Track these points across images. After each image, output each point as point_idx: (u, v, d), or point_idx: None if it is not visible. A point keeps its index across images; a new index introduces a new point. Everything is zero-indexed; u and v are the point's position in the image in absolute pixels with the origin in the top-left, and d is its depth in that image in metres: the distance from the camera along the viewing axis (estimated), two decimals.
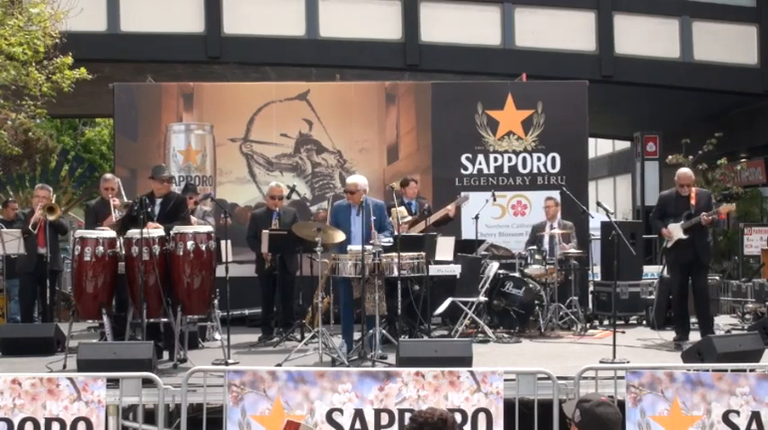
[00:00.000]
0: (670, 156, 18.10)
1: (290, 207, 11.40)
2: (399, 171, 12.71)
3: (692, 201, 10.12)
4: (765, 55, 19.34)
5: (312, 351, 9.26)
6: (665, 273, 12.71)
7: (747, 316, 12.46)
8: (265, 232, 10.41)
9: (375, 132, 13.10)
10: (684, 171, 10.42)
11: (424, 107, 13.14)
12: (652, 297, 12.35)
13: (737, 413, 6.48)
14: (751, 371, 6.96)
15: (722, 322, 11.87)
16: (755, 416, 6.48)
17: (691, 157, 17.30)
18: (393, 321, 9.74)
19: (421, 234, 10.01)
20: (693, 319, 10.48)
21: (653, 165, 19.77)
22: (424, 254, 9.26)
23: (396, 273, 8.88)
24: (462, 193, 12.03)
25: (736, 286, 12.99)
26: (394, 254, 8.93)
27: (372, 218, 9.21)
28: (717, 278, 13.60)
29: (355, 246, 8.97)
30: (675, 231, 10.06)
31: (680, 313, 10.27)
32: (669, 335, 10.50)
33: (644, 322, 12.42)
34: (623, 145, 27.87)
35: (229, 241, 10.19)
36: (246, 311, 11.88)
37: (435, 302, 10.57)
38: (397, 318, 9.31)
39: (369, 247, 8.85)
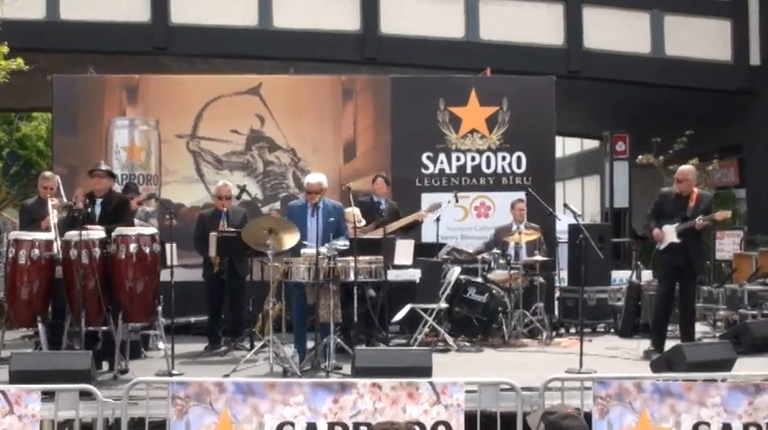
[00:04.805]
0: (640, 156, 18.23)
1: (239, 208, 11.34)
2: (356, 170, 12.71)
3: (691, 203, 10.09)
4: (739, 51, 19.57)
5: (262, 361, 9.25)
6: (635, 277, 12.87)
7: (719, 323, 12.57)
8: (213, 234, 10.36)
9: (331, 129, 13.07)
10: (684, 169, 10.36)
11: (382, 103, 13.13)
12: (620, 303, 12.45)
13: (708, 425, 6.53)
14: (722, 381, 7.01)
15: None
16: (726, 428, 6.53)
17: (661, 158, 17.42)
18: (348, 329, 9.72)
19: (378, 237, 10.02)
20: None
21: (622, 165, 19.86)
22: (381, 258, 9.28)
23: (352, 278, 8.92)
24: (436, 201, 12.03)
25: (708, 292, 13.05)
26: (350, 257, 8.92)
27: (330, 219, 9.24)
28: None
29: (309, 250, 8.95)
30: (669, 234, 10.07)
31: (659, 321, 10.32)
32: (637, 343, 10.59)
33: (612, 330, 12.52)
34: (592, 144, 28.03)
35: (174, 244, 10.11)
36: (192, 319, 11.77)
37: (393, 309, 10.57)
38: (353, 326, 9.36)
39: (323, 251, 8.84)
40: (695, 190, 10.27)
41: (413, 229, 11.31)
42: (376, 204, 11.17)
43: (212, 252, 10.39)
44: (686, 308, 10.24)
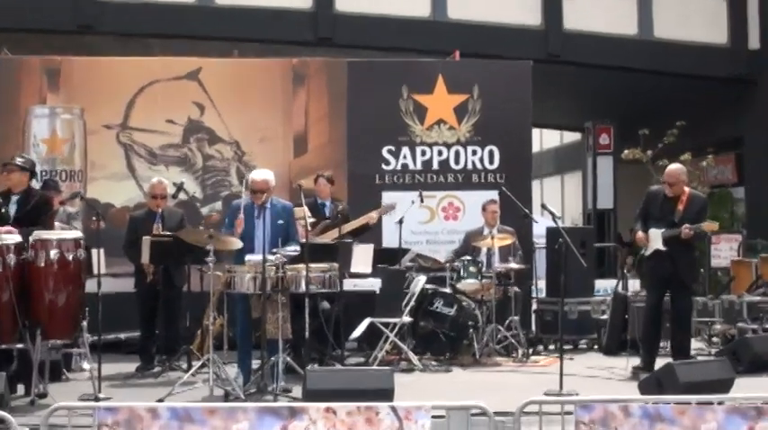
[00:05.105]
0: (626, 151, 18.33)
1: (176, 208, 11.29)
2: (308, 166, 12.73)
3: (680, 206, 10.14)
4: (737, 33, 19.78)
5: (201, 383, 9.22)
6: (621, 287, 12.91)
7: (715, 339, 12.60)
8: (146, 238, 10.29)
9: (280, 119, 13.10)
10: (673, 168, 10.42)
11: (338, 89, 13.15)
12: (605, 317, 12.48)
13: None
14: (719, 404, 7.04)
15: None
16: None
17: (650, 152, 17.53)
18: (299, 347, 9.72)
19: (334, 241, 10.02)
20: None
21: (606, 160, 19.98)
22: (336, 265, 9.29)
23: (303, 289, 8.90)
24: (390, 202, 12.09)
25: (702, 304, 13.08)
26: (301, 265, 8.90)
27: (279, 222, 9.22)
28: None
29: (255, 256, 8.91)
30: (654, 240, 10.14)
31: (647, 336, 10.42)
32: (624, 361, 10.61)
33: (595, 346, 12.57)
34: (572, 137, 28.18)
35: (102, 249, 10.04)
36: (122, 335, 11.71)
37: (350, 324, 10.58)
38: (304, 343, 9.31)
39: (271, 258, 8.81)
40: (686, 190, 10.32)
41: (362, 234, 11.27)
42: (319, 207, 11.17)
43: (145, 259, 10.32)
44: (678, 321, 10.30)
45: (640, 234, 10.21)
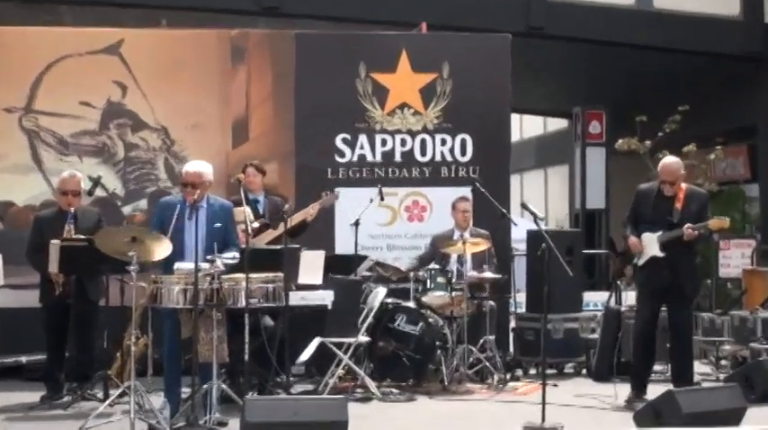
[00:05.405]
0: (620, 140, 18.36)
1: (91, 207, 11.22)
2: (249, 157, 12.57)
3: (678, 205, 10.18)
4: (751, 4, 19.84)
5: (120, 415, 9.04)
6: (613, 302, 12.94)
7: (724, 362, 12.65)
8: (55, 243, 10.17)
9: (216, 102, 13.10)
10: (668, 162, 10.48)
11: (284, 66, 13.16)
12: (595, 336, 12.52)
13: None
14: None
15: None
16: None
17: (648, 142, 17.59)
18: (237, 371, 9.76)
19: (278, 247, 9.99)
20: (658, 367, 10.74)
21: (597, 152, 20.00)
22: (282, 275, 9.28)
23: (242, 303, 8.89)
24: (335, 190, 12.03)
25: (709, 321, 13.11)
26: (241, 275, 8.89)
27: (216, 224, 9.21)
28: None
29: (186, 264, 8.90)
30: (650, 245, 10.18)
31: (639, 359, 10.42)
32: (617, 388, 10.59)
33: (584, 371, 12.61)
34: (558, 124, 28.28)
35: (0, 256, 9.94)
36: (24, 358, 11.67)
37: (297, 344, 10.54)
38: (243, 367, 9.31)
39: (205, 266, 8.80)
40: (683, 185, 10.36)
41: (300, 234, 11.19)
42: (251, 203, 11.10)
43: (54, 267, 10.20)
44: (679, 339, 10.30)
45: (634, 239, 10.26)
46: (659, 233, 10.11)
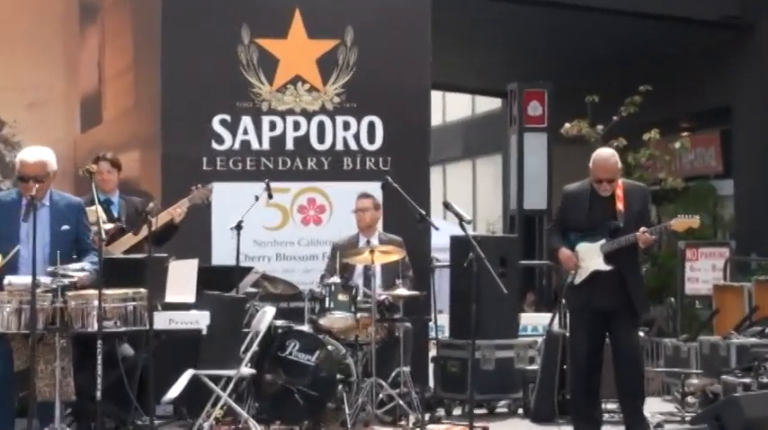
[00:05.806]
0: (567, 125, 18.42)
1: None
2: (103, 143, 12.79)
3: (620, 205, 10.21)
4: None
5: None
6: (557, 324, 12.86)
7: (691, 398, 12.70)
8: None
9: (59, 75, 13.19)
10: (605, 156, 10.46)
11: (147, 30, 13.19)
12: (534, 367, 12.61)
13: None
14: None
15: (650, 408, 11.98)
16: None
17: (600, 127, 17.59)
18: (86, 412, 9.76)
19: (140, 256, 10.07)
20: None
21: (538, 138, 20.17)
22: (144, 291, 9.35)
23: (94, 327, 8.91)
24: (209, 184, 11.82)
25: (673, 348, 13.47)
26: (91, 291, 8.94)
27: (63, 227, 9.33)
28: (640, 334, 13.90)
29: (21, 278, 8.88)
30: (589, 258, 10.16)
31: (585, 394, 10.41)
32: None
33: (520, 410, 12.74)
34: (490, 104, 28.60)
35: None
36: None
37: (165, 377, 10.33)
38: (95, 407, 9.20)
39: (46, 280, 8.85)
40: (619, 183, 10.39)
41: (168, 239, 11.14)
42: (103, 204, 10.96)
43: None
44: (630, 369, 10.31)
45: (567, 252, 10.30)
46: (601, 242, 10.13)
